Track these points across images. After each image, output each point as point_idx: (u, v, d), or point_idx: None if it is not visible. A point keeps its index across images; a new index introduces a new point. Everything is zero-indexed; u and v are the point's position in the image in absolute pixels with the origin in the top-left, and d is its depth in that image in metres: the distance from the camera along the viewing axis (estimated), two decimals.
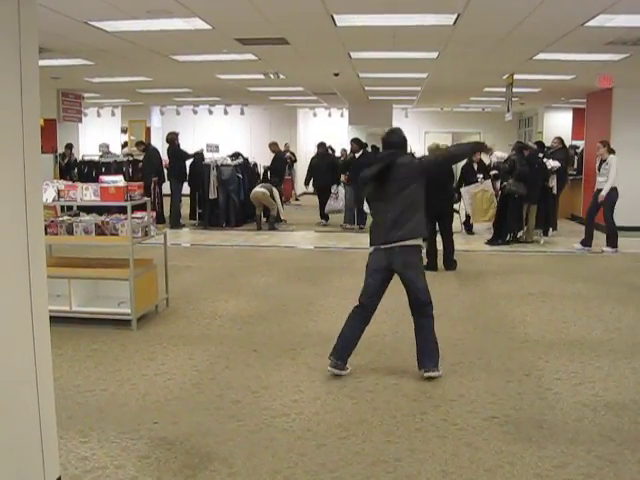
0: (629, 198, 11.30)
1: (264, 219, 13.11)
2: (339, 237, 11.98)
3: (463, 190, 11.31)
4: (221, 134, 19.25)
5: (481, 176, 11.52)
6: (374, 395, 4.39)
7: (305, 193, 18.22)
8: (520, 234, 11.06)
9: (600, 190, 10.07)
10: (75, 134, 15.61)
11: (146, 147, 13.67)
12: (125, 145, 19.81)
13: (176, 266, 8.12)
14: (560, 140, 12.63)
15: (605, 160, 10.06)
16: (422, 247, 4.73)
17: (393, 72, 11.56)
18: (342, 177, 13.01)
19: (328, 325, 6.04)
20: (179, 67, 10.53)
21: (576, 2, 6.13)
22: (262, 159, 15.28)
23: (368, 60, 10.08)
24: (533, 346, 5.47)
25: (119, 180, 6.14)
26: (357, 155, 12.74)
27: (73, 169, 14.04)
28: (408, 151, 4.91)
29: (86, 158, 14.55)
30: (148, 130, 20.81)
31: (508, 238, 10.94)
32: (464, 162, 11.66)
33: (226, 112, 19.95)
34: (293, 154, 18.97)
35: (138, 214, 6.23)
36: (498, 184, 11.08)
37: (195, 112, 20.17)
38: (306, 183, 14.68)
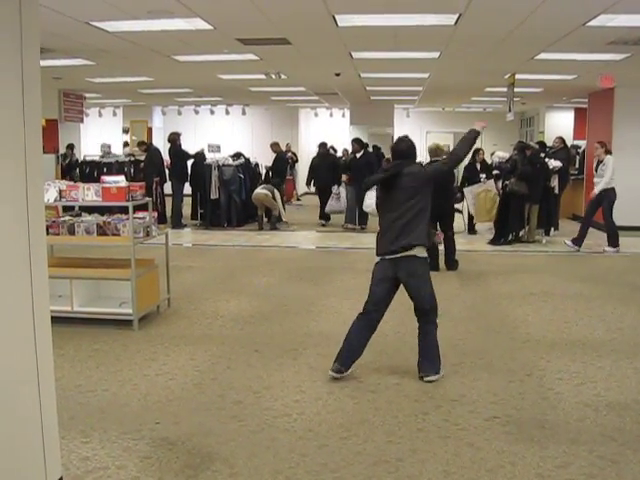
0: (631, 198, 11.30)
1: (265, 219, 13.12)
2: (340, 237, 11.98)
3: (466, 190, 11.30)
4: (223, 134, 19.28)
5: (484, 176, 11.51)
6: (376, 395, 4.39)
7: (306, 193, 18.22)
8: (522, 234, 11.05)
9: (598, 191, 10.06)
10: (77, 134, 15.63)
11: (148, 147, 13.68)
12: (126, 145, 19.84)
13: (178, 266, 8.12)
14: (562, 140, 12.62)
15: (602, 161, 10.06)
16: (427, 259, 4.72)
17: (394, 72, 11.56)
18: (343, 177, 13.00)
19: (330, 325, 6.05)
20: (180, 67, 10.53)
21: (577, 2, 6.12)
22: (263, 159, 15.28)
23: (369, 60, 10.08)
24: (535, 346, 5.47)
25: (121, 180, 6.13)
26: (358, 155, 12.74)
27: (74, 169, 14.05)
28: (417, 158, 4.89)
29: (87, 158, 14.56)
30: (150, 130, 20.84)
31: (510, 238, 10.93)
32: (467, 162, 11.66)
33: (228, 112, 19.97)
34: (294, 154, 18.97)
35: (140, 214, 6.23)
36: (500, 184, 11.07)
37: (197, 112, 20.20)
38: (307, 183, 14.70)
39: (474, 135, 4.75)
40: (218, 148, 13.16)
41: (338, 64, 10.63)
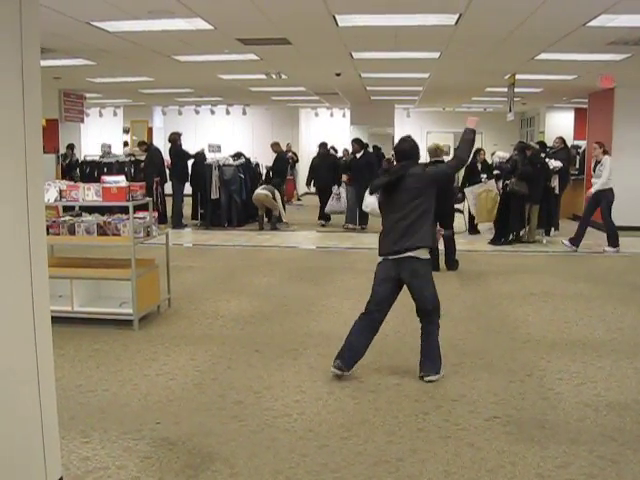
0: (631, 198, 11.30)
1: (266, 219, 13.12)
2: (341, 237, 11.98)
3: (467, 190, 11.29)
4: (223, 134, 19.29)
5: (485, 176, 11.51)
6: (376, 395, 4.39)
7: (307, 193, 18.22)
8: (522, 234, 11.05)
9: (595, 191, 10.03)
10: (77, 134, 15.63)
11: (148, 147, 13.68)
12: (126, 144, 19.84)
13: (178, 266, 8.13)
14: (562, 140, 12.61)
15: (600, 161, 10.06)
16: (430, 260, 4.71)
17: (395, 72, 11.56)
18: (343, 177, 13.00)
19: (330, 325, 6.05)
20: (181, 67, 10.54)
21: (578, 2, 6.12)
22: (264, 159, 15.29)
23: (370, 60, 10.08)
24: (535, 346, 5.47)
25: (121, 180, 6.13)
26: (358, 155, 12.74)
27: (74, 169, 14.05)
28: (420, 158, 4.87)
29: (88, 158, 14.57)
30: (150, 130, 20.85)
31: (510, 238, 10.93)
32: (468, 162, 11.63)
33: (228, 112, 19.98)
34: (295, 154, 18.97)
35: (140, 214, 6.23)
36: (500, 184, 11.07)
37: (197, 112, 20.20)
38: (307, 183, 14.69)
39: (472, 135, 4.72)
40: (218, 148, 13.17)
41: (338, 64, 10.64)
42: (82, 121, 15.85)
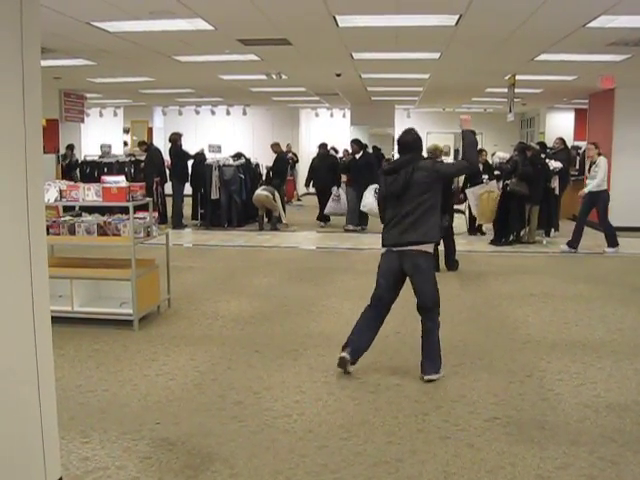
0: (631, 198, 11.30)
1: (266, 219, 13.12)
2: (341, 238, 11.98)
3: (468, 191, 11.28)
4: (223, 134, 19.28)
5: (486, 177, 11.50)
6: (376, 396, 4.39)
7: (307, 193, 18.22)
8: (522, 234, 11.05)
9: (590, 192, 10.00)
10: (77, 134, 15.63)
11: (148, 147, 13.68)
12: (125, 144, 19.84)
13: (178, 266, 8.12)
14: (562, 141, 12.62)
15: (595, 162, 10.05)
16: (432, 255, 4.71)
17: (395, 73, 11.57)
18: (343, 178, 13.00)
19: (330, 326, 6.04)
20: (181, 68, 10.54)
21: (578, 3, 6.13)
22: (264, 159, 15.28)
23: (370, 61, 10.08)
24: (535, 347, 5.47)
25: (121, 180, 6.14)
26: (357, 156, 12.73)
27: (74, 169, 14.05)
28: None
29: (88, 158, 14.57)
30: (150, 130, 20.86)
31: (510, 238, 10.93)
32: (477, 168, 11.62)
33: (228, 112, 19.98)
34: (295, 154, 18.97)
35: (140, 214, 6.23)
36: (500, 184, 11.07)
37: (197, 112, 20.20)
38: (307, 184, 14.67)
39: (473, 137, 4.69)
40: (219, 148, 13.18)
41: (339, 65, 10.64)
42: (82, 121, 15.86)
